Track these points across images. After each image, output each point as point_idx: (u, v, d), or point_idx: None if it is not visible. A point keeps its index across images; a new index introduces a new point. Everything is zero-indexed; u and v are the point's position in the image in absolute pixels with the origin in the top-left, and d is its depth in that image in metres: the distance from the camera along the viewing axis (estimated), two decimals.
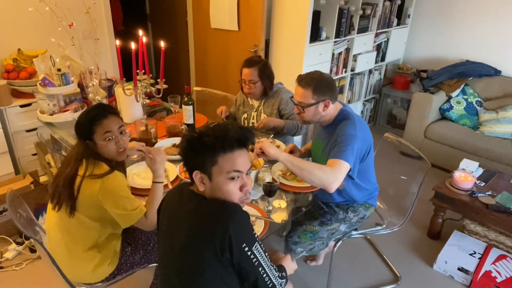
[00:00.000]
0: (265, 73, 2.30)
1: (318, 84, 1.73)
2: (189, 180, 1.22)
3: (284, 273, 1.28)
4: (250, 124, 2.46)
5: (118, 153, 1.55)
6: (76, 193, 1.47)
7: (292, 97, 1.84)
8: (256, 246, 1.12)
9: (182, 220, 1.18)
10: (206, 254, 1.10)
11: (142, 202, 1.57)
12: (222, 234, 1.06)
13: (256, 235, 1.14)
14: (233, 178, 1.14)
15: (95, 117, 1.50)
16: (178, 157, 1.90)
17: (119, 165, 1.64)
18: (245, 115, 2.48)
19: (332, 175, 1.61)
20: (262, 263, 1.14)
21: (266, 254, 1.17)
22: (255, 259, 1.12)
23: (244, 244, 1.09)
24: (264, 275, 1.15)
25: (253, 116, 2.44)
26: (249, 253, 1.10)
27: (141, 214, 1.50)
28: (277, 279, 1.20)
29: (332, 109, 1.80)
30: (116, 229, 1.63)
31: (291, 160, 1.63)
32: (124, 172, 1.71)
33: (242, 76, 2.31)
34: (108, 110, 1.55)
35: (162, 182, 1.62)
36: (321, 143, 1.91)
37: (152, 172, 1.63)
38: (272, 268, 1.19)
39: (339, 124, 1.79)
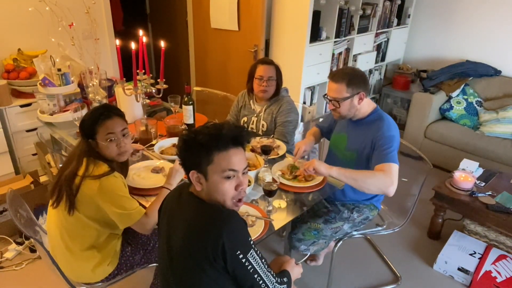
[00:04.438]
0: (279, 72, 2.31)
1: (352, 78, 1.75)
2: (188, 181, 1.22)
3: (285, 278, 1.27)
4: (249, 129, 2.43)
5: (118, 155, 1.56)
6: (75, 192, 1.47)
7: (325, 95, 1.85)
8: (251, 253, 1.11)
9: (179, 224, 1.18)
10: (200, 260, 1.09)
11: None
12: (215, 242, 1.05)
13: (252, 242, 1.13)
14: (228, 177, 1.13)
15: (99, 117, 1.51)
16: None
17: (121, 166, 1.64)
18: (245, 119, 2.45)
19: (387, 179, 1.65)
20: (258, 270, 1.13)
21: (263, 260, 1.15)
22: (250, 266, 1.11)
23: (239, 252, 1.08)
24: (261, 281, 1.14)
25: (253, 121, 2.41)
26: (243, 260, 1.09)
27: (140, 214, 1.49)
28: (275, 285, 1.18)
29: (366, 103, 1.83)
30: (115, 230, 1.63)
31: (343, 173, 1.67)
32: (127, 172, 1.71)
33: (260, 73, 2.25)
34: (113, 111, 1.55)
35: (170, 190, 1.64)
36: (345, 137, 1.92)
37: (166, 179, 1.67)
38: (270, 274, 1.17)
39: (373, 124, 1.81)
